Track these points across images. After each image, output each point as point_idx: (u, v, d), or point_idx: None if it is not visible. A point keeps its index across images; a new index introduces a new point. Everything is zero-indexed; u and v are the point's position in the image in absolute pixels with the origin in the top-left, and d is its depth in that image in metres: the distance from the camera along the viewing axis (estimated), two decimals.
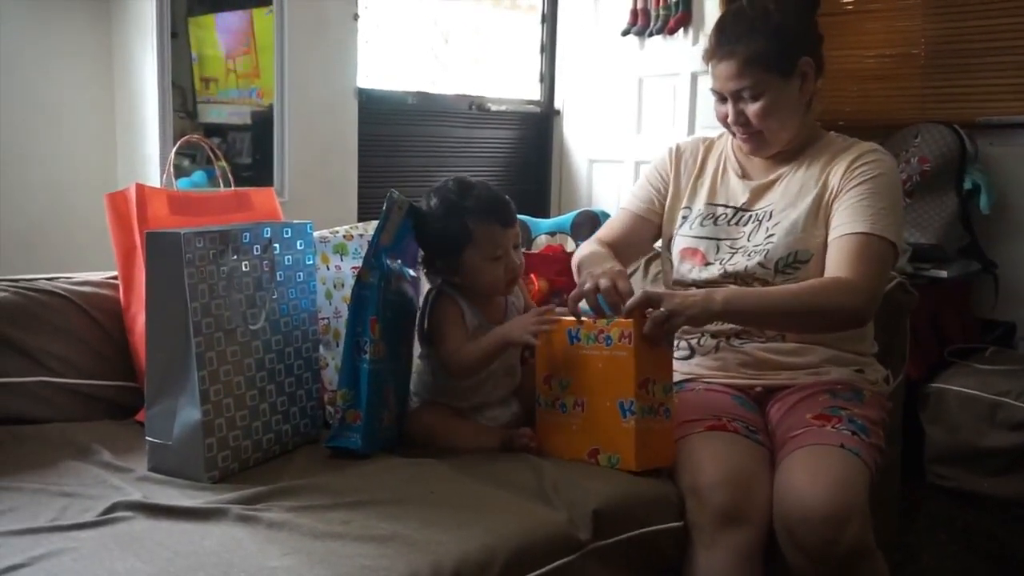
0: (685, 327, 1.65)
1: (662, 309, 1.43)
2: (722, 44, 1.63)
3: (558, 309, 1.53)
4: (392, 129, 3.51)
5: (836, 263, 1.55)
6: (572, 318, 1.48)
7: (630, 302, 1.44)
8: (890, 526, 1.95)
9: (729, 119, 1.67)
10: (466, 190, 1.53)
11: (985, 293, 3.04)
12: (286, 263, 1.53)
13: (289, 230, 1.55)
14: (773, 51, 1.60)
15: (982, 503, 2.55)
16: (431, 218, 1.52)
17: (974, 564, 2.28)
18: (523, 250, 1.93)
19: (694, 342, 1.70)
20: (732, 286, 1.63)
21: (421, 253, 1.57)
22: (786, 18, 1.61)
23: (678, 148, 1.83)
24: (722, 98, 1.66)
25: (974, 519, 2.49)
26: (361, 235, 1.83)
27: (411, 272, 1.57)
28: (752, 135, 1.66)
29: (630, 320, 1.42)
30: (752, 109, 1.63)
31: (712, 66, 1.65)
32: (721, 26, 1.65)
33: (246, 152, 3.08)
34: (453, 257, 1.52)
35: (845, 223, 1.57)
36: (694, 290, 1.55)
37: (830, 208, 1.61)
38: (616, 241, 1.78)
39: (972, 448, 2.58)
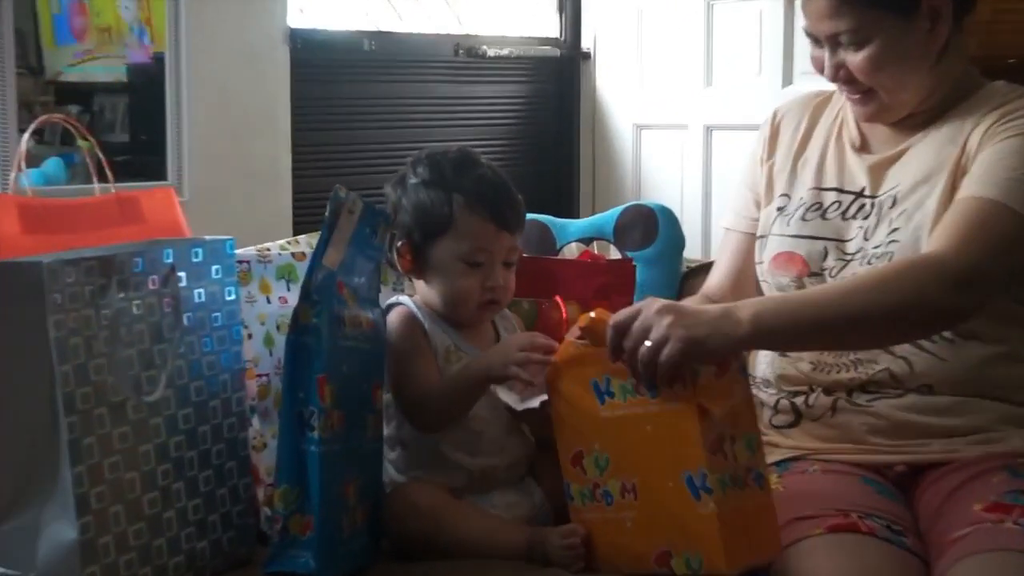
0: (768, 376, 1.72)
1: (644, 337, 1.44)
2: None
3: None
4: (341, 89, 3.53)
5: (936, 234, 1.60)
6: (587, 352, 1.52)
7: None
8: None
9: (826, 73, 1.71)
10: (466, 165, 1.69)
11: None
12: (196, 300, 1.55)
13: (200, 251, 1.56)
14: None
15: None
16: (414, 183, 1.69)
17: None
18: (549, 256, 2.02)
19: (800, 401, 1.72)
20: (767, 296, 1.70)
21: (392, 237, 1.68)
22: None
23: (775, 117, 1.89)
24: (817, 41, 1.71)
25: None
26: None
27: (373, 303, 1.62)
28: (863, 95, 1.71)
29: None
30: (855, 60, 1.67)
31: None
32: None
33: (120, 125, 3.08)
34: (423, 242, 1.66)
35: (966, 185, 1.62)
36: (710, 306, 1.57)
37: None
38: (729, 282, 1.87)
39: None
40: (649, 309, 1.45)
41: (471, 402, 1.62)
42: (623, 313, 1.47)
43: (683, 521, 1.45)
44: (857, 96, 1.71)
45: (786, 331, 1.53)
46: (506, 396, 1.64)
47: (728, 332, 1.46)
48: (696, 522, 1.43)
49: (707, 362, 1.45)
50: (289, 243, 1.92)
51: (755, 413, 1.55)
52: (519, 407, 1.63)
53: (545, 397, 1.59)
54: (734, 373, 1.48)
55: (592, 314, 1.51)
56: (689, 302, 1.75)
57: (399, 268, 1.74)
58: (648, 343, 1.43)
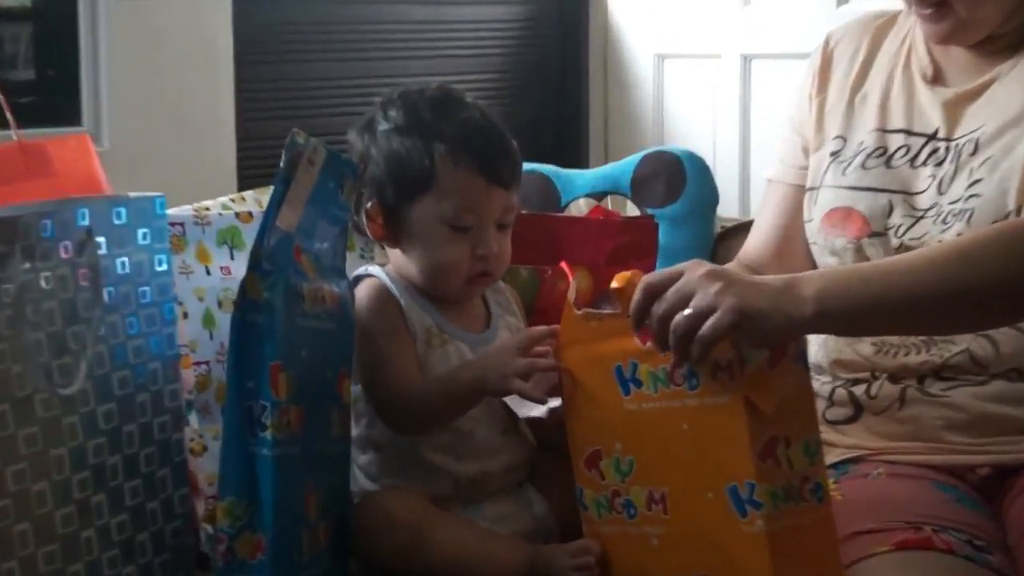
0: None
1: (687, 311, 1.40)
2: None
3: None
4: (295, 13, 3.56)
5: None
6: (603, 326, 1.51)
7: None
8: None
9: None
10: (449, 107, 1.69)
11: None
12: (119, 272, 1.55)
13: (122, 211, 1.56)
14: None
15: None
16: (385, 129, 1.68)
17: None
18: (552, 214, 2.04)
19: (860, 391, 1.73)
20: (832, 267, 1.71)
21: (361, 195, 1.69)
22: None
23: (827, 44, 1.91)
24: None
25: None
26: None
27: (338, 273, 1.63)
28: (935, 9, 1.69)
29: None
30: None
31: None
32: None
33: (24, 60, 3.12)
34: (399, 202, 1.66)
35: None
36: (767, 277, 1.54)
37: None
38: (772, 245, 1.89)
39: None
40: (693, 272, 1.41)
41: (459, 413, 1.63)
42: (659, 274, 1.44)
43: (724, 541, 1.44)
44: (928, 11, 1.70)
45: (855, 312, 1.47)
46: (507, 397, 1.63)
47: (790, 311, 1.41)
48: (740, 543, 1.42)
49: (757, 345, 1.41)
50: (233, 201, 1.92)
51: (815, 410, 1.51)
52: (521, 413, 1.63)
53: (557, 403, 1.58)
54: (790, 361, 1.45)
55: (627, 273, 1.48)
56: None
57: (369, 234, 1.72)
58: (688, 311, 1.39)
